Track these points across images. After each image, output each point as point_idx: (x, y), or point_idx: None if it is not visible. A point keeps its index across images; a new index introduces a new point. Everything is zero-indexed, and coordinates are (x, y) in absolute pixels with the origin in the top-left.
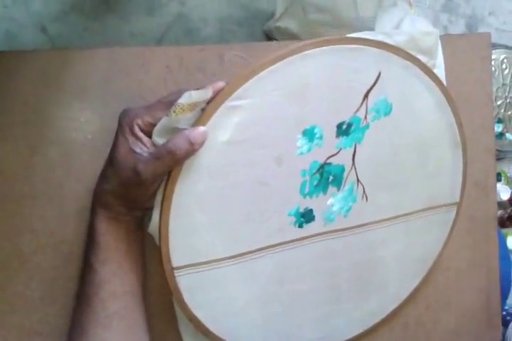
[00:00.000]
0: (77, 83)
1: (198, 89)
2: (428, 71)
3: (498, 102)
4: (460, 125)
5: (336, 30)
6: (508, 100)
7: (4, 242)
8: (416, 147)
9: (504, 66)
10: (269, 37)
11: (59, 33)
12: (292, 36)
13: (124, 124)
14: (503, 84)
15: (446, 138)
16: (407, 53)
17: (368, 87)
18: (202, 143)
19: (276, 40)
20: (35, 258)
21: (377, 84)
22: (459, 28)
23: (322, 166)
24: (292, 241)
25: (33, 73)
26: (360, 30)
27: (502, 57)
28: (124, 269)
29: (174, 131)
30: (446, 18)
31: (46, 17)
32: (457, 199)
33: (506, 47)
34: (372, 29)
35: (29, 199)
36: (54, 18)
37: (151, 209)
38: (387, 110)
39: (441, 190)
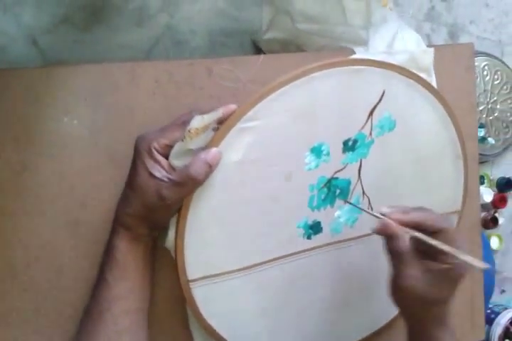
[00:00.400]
0: (67, 99)
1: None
2: (430, 87)
3: (480, 108)
4: (461, 138)
5: (325, 39)
6: (489, 105)
7: None
8: (418, 160)
9: (485, 73)
10: (258, 47)
11: (50, 45)
12: (281, 46)
13: (141, 149)
14: (485, 90)
15: (449, 151)
16: (410, 71)
17: (373, 105)
18: (218, 164)
19: (264, 52)
20: (28, 272)
21: (381, 102)
22: (441, 36)
23: (329, 181)
24: (301, 252)
25: (23, 90)
26: (350, 40)
27: (483, 64)
28: (138, 287)
29: (189, 152)
30: (428, 27)
31: (37, 30)
32: (459, 207)
33: (487, 54)
34: (361, 39)
35: (21, 213)
36: (45, 31)
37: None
38: (391, 126)
39: (442, 200)
